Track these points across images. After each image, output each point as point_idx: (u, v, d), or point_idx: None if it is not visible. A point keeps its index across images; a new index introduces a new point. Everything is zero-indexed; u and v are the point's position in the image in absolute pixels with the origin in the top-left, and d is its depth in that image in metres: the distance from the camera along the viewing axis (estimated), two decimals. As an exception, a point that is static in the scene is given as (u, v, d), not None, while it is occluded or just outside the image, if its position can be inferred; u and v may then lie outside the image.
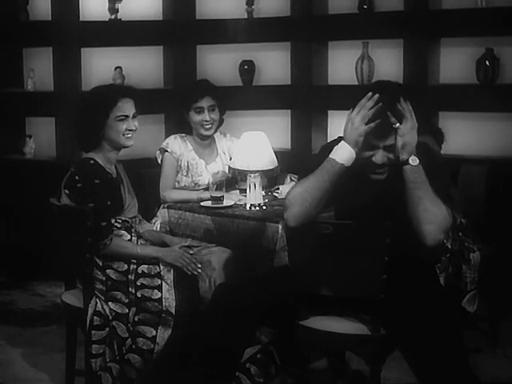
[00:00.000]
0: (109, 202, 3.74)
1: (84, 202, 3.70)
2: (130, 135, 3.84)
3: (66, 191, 3.76)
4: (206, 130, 4.72)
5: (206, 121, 4.70)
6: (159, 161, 4.75)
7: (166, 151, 4.71)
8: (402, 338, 3.25)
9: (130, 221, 3.86)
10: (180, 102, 4.88)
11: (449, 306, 3.48)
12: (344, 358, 3.97)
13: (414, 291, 3.30)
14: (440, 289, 3.58)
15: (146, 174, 4.89)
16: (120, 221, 3.80)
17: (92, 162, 3.77)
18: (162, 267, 3.74)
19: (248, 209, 4.34)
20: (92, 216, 3.66)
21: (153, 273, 3.72)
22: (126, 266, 3.72)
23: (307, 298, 3.43)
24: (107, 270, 3.71)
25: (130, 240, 3.82)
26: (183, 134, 4.80)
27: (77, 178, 3.73)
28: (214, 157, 4.80)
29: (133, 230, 3.86)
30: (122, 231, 3.79)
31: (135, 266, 3.72)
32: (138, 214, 4.00)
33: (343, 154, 3.23)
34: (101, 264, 3.72)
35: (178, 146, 4.73)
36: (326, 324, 3.41)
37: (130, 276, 3.71)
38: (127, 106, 3.83)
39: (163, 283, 3.71)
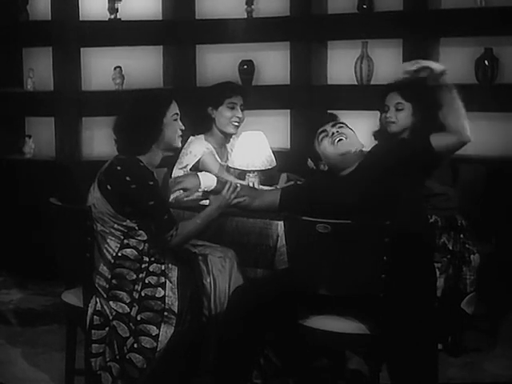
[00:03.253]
0: (166, 198, 3.78)
1: (144, 202, 3.66)
2: (181, 135, 3.86)
3: (108, 187, 3.69)
4: (234, 127, 4.73)
5: (238, 117, 4.71)
6: (199, 166, 4.66)
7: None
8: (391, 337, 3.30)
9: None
10: (209, 95, 4.82)
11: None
12: (344, 357, 3.98)
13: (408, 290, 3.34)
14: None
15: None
16: (138, 223, 3.79)
17: (141, 164, 3.73)
18: (166, 265, 3.74)
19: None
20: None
21: (159, 271, 3.72)
22: (137, 265, 3.70)
23: (307, 297, 3.45)
24: (117, 269, 3.69)
25: (144, 241, 3.79)
26: (201, 136, 4.76)
27: (128, 178, 3.66)
28: (226, 154, 4.81)
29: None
30: (140, 231, 3.77)
31: (147, 265, 3.72)
32: None
33: None
34: (112, 261, 3.70)
35: (201, 145, 4.69)
36: (326, 323, 3.43)
37: (141, 274, 3.70)
38: (176, 106, 3.84)
39: (167, 281, 3.71)
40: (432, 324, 3.41)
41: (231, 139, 4.86)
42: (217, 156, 4.73)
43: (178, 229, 3.73)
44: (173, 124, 3.81)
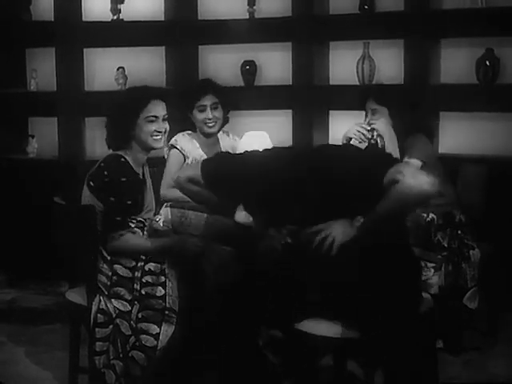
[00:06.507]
0: (129, 202, 3.76)
1: (106, 197, 3.72)
2: (158, 137, 3.86)
3: (91, 183, 3.78)
4: (210, 127, 4.75)
5: (209, 119, 4.73)
6: (166, 157, 4.76)
7: (175, 148, 4.73)
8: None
9: (144, 221, 3.88)
10: (183, 100, 4.89)
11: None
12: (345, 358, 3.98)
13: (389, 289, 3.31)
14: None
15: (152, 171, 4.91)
16: (135, 221, 3.82)
17: (122, 159, 3.80)
18: (166, 264, 3.77)
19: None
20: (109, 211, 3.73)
21: (158, 270, 3.75)
22: (133, 263, 3.74)
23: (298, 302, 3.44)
24: (115, 265, 3.73)
25: None
26: (190, 132, 4.82)
27: (105, 173, 3.75)
28: None
29: (145, 230, 3.89)
30: (135, 229, 3.81)
31: (143, 263, 3.75)
32: (152, 216, 4.04)
33: None
34: (109, 258, 3.74)
35: (186, 143, 4.75)
36: (318, 328, 3.41)
37: (136, 273, 3.73)
38: (157, 108, 3.86)
39: (167, 281, 3.74)
40: (421, 325, 3.39)
41: (220, 139, 4.87)
42: (192, 158, 4.75)
43: (123, 237, 3.74)
44: (146, 125, 3.83)
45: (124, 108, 3.88)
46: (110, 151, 3.91)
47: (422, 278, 4.38)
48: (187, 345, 3.73)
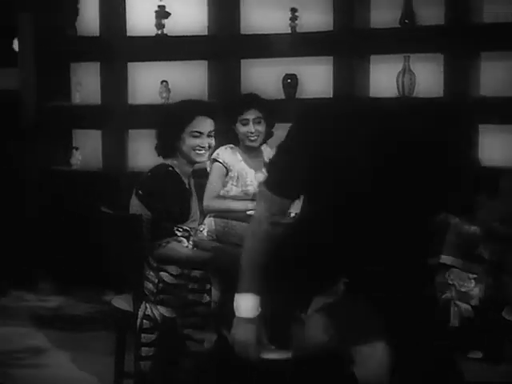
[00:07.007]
0: (176, 209, 3.87)
1: (154, 204, 3.83)
2: (201, 151, 3.96)
3: (140, 192, 3.89)
4: (252, 141, 4.80)
5: (251, 132, 4.78)
6: (209, 170, 4.84)
7: (217, 161, 4.79)
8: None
9: (189, 230, 3.97)
10: (227, 113, 4.97)
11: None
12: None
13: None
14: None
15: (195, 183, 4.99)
16: (181, 229, 3.91)
17: (170, 168, 3.92)
18: (210, 272, 3.83)
19: (293, 217, 4.39)
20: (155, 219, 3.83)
21: (204, 277, 3.82)
22: (179, 270, 3.82)
23: None
24: (161, 273, 3.81)
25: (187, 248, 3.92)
26: (231, 145, 4.87)
27: (154, 181, 3.88)
28: (261, 167, 4.88)
29: (191, 239, 3.98)
30: (181, 238, 3.90)
31: (188, 271, 3.82)
32: (196, 226, 4.11)
33: None
34: (155, 265, 3.82)
35: (229, 156, 4.80)
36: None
37: (182, 280, 3.81)
38: (204, 124, 3.97)
39: (212, 288, 3.80)
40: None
41: (263, 151, 4.93)
42: (235, 171, 4.80)
43: (169, 245, 3.84)
44: (189, 140, 3.94)
45: (170, 120, 3.98)
46: (160, 159, 4.01)
47: (463, 290, 4.42)
48: (230, 351, 3.78)
